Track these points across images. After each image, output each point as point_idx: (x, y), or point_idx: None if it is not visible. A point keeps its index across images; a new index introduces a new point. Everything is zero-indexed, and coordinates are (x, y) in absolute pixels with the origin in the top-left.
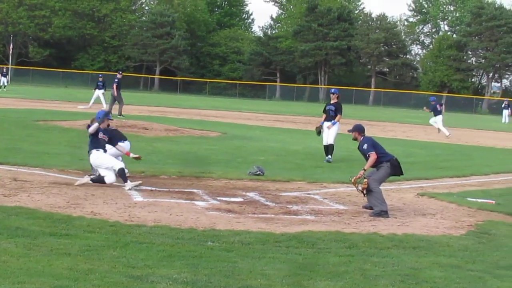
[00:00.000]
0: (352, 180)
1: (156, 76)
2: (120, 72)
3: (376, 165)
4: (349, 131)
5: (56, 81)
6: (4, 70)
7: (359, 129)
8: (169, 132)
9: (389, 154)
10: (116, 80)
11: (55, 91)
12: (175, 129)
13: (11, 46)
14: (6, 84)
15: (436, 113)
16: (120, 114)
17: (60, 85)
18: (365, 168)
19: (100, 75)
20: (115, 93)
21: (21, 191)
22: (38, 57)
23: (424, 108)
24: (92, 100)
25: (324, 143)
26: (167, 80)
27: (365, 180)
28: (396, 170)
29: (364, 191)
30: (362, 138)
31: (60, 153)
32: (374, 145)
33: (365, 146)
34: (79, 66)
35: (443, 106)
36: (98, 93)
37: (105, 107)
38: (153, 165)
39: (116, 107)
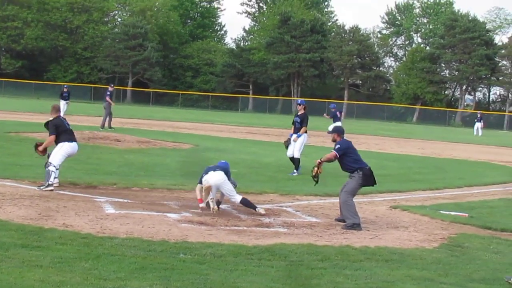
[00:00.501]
0: (314, 173)
1: (129, 88)
2: (112, 85)
3: (349, 173)
4: (329, 132)
5: (29, 93)
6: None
7: (338, 131)
8: (142, 144)
9: (363, 162)
10: (108, 93)
11: (27, 102)
12: (147, 141)
13: None
14: None
15: (336, 120)
16: (110, 126)
17: (33, 97)
18: (321, 160)
19: (65, 86)
20: (112, 104)
21: None
22: (10, 69)
23: (325, 114)
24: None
25: (289, 155)
26: (139, 91)
27: (315, 167)
28: (368, 180)
29: (315, 178)
30: (339, 140)
31: (32, 164)
32: (347, 148)
33: (336, 146)
34: (52, 78)
35: (343, 113)
36: (64, 103)
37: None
38: (125, 177)
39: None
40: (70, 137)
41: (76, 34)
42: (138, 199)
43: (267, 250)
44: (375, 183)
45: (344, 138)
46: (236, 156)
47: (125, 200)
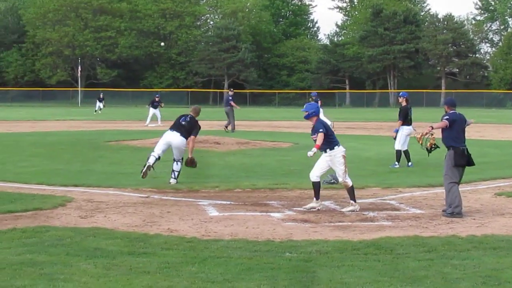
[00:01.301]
0: (418, 137)
1: (225, 90)
2: (232, 89)
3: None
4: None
5: (126, 101)
6: (101, 95)
7: (448, 103)
8: (241, 145)
9: (460, 142)
10: (230, 97)
11: (125, 111)
12: (246, 142)
13: (79, 69)
14: (101, 107)
15: None
16: (233, 130)
17: (130, 105)
18: (433, 126)
19: (157, 95)
20: (237, 108)
21: (97, 212)
22: (107, 78)
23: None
24: (149, 119)
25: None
26: (236, 93)
27: (431, 137)
28: (459, 159)
29: (431, 149)
30: (449, 111)
31: (134, 172)
32: (454, 120)
33: (445, 116)
34: (148, 85)
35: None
36: (154, 111)
37: (160, 123)
38: (227, 179)
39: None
40: (173, 127)
41: (169, 39)
42: (241, 200)
43: (372, 244)
44: (470, 164)
45: (455, 111)
46: None
47: (228, 202)
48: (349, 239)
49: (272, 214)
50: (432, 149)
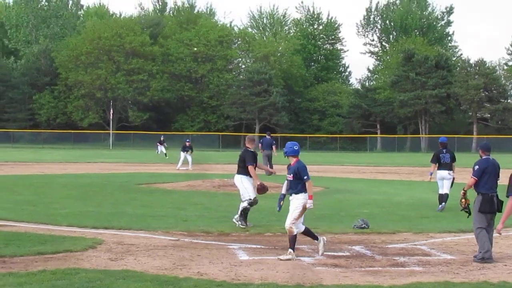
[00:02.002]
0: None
1: (256, 134)
2: (269, 132)
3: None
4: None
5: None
6: (162, 138)
7: (483, 147)
8: (272, 190)
9: (490, 188)
10: (273, 141)
11: (156, 154)
12: (277, 185)
13: (111, 111)
14: (164, 151)
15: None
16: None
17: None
18: (464, 189)
19: (187, 140)
20: (275, 153)
21: (127, 255)
22: (138, 121)
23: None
24: (180, 162)
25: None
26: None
27: (463, 201)
28: (485, 206)
29: (466, 210)
30: (483, 156)
31: (164, 215)
32: (483, 169)
33: (475, 167)
34: (179, 128)
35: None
36: (185, 154)
37: (190, 167)
38: (257, 223)
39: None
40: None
41: (201, 83)
42: (271, 244)
43: None
44: (497, 211)
45: (489, 156)
46: (367, 196)
47: (258, 246)
48: (380, 284)
49: (302, 258)
50: (467, 210)
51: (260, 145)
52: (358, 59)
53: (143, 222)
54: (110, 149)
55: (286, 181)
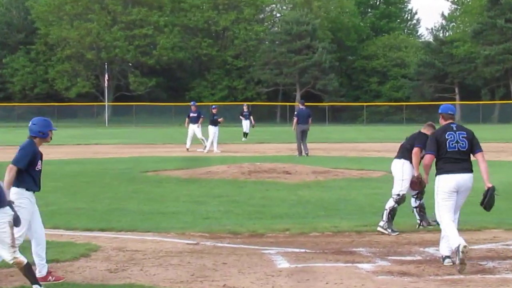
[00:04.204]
0: None
1: (296, 104)
2: (303, 102)
3: None
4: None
5: (167, 119)
6: (245, 108)
7: None
8: (318, 175)
9: None
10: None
11: (166, 131)
12: (325, 170)
13: (106, 78)
14: (247, 131)
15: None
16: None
17: (173, 124)
18: None
19: (213, 106)
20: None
21: (131, 264)
22: (142, 90)
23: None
24: (210, 142)
25: None
26: (311, 107)
27: None
28: None
29: None
30: None
31: (179, 211)
32: None
33: None
34: (196, 97)
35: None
36: (214, 129)
37: (211, 148)
38: (300, 219)
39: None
40: None
41: (223, 38)
42: (319, 247)
43: None
44: None
45: None
46: None
47: (302, 250)
48: None
49: (359, 265)
50: None
51: (295, 119)
52: (429, 3)
53: (150, 221)
54: (106, 126)
55: None
